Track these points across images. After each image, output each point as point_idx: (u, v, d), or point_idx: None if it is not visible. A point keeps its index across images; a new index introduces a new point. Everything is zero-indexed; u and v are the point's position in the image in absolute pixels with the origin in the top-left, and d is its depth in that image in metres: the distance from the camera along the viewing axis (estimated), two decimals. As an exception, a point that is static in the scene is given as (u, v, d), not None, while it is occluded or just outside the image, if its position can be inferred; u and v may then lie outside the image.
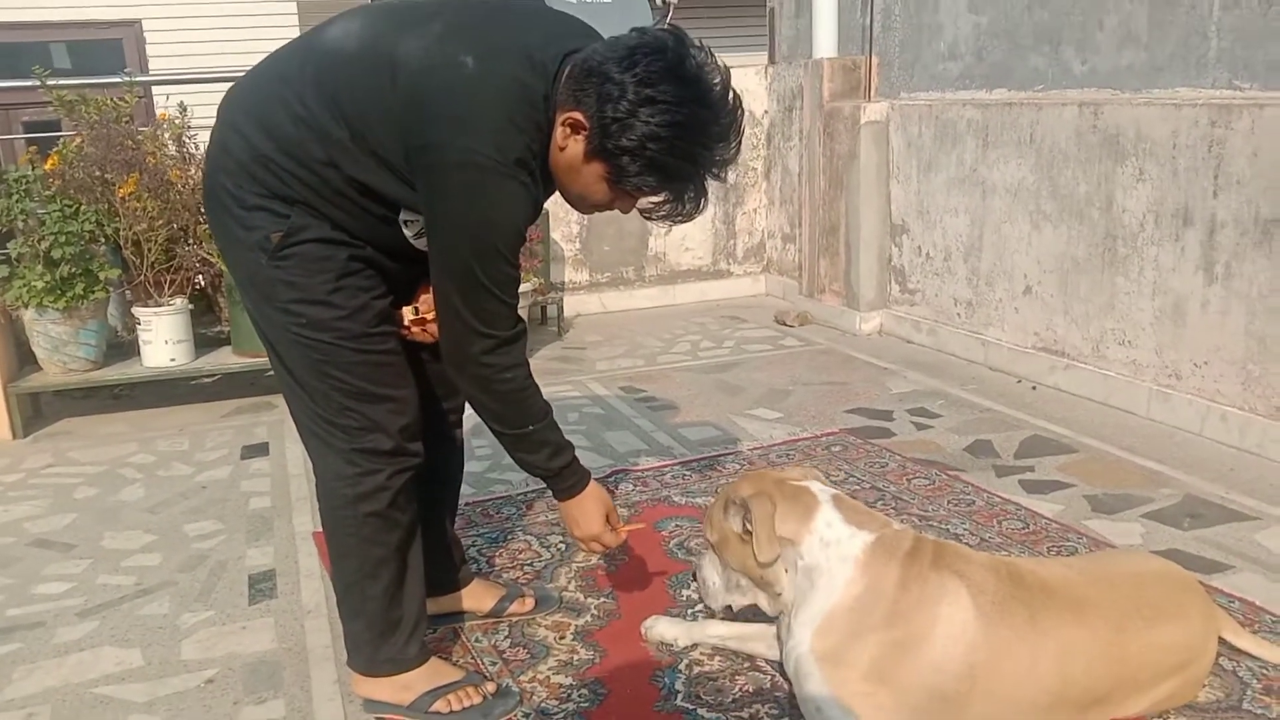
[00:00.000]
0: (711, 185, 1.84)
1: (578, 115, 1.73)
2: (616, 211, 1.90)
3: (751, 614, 2.39)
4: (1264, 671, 2.09)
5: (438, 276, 1.83)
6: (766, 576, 1.95)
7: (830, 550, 1.89)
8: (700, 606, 2.45)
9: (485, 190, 1.73)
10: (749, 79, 5.94)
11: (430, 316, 1.97)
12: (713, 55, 1.77)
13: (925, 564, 1.86)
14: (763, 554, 1.89)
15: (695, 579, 2.15)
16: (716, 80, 1.75)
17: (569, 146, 1.77)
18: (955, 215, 4.64)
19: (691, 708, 2.06)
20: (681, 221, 1.86)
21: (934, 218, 4.78)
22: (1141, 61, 3.83)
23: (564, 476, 2.06)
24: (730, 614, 2.20)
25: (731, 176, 5.97)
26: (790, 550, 1.91)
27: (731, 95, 1.77)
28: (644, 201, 1.84)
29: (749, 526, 1.91)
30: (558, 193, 1.91)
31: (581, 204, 1.90)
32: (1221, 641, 2.06)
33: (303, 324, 1.86)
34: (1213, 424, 3.50)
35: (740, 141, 1.81)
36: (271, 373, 2.08)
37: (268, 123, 1.80)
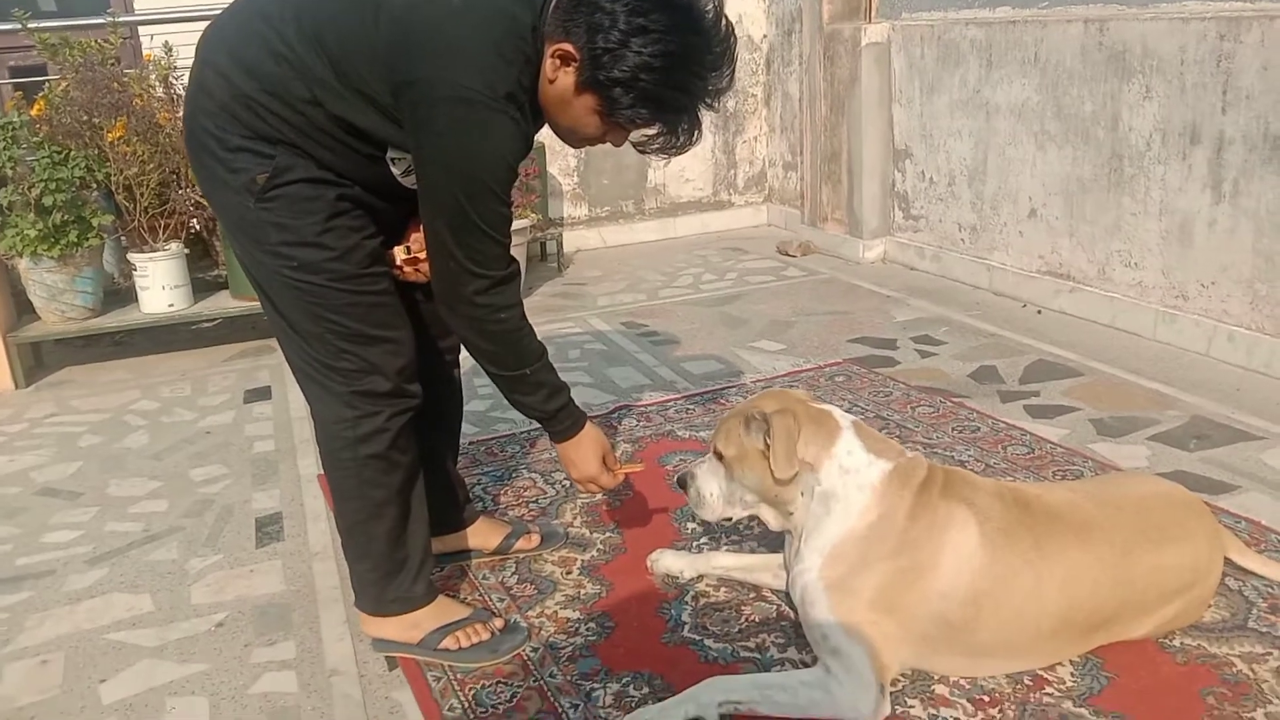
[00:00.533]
0: (708, 114, 1.80)
1: (567, 46, 1.68)
2: (613, 144, 1.86)
3: (754, 543, 2.40)
4: (1270, 590, 2.09)
5: (428, 215, 1.79)
6: (782, 495, 1.93)
7: (848, 478, 1.87)
8: (705, 539, 2.45)
9: (475, 126, 1.69)
10: (747, 2, 5.80)
11: (423, 255, 1.94)
12: None
13: (935, 492, 1.85)
14: (780, 470, 1.86)
15: (685, 489, 2.08)
16: (709, 7, 1.71)
17: (559, 79, 1.72)
18: (959, 138, 4.56)
19: (698, 639, 2.07)
20: (676, 154, 1.82)
21: (937, 141, 4.70)
22: (1149, -27, 3.73)
23: (560, 418, 2.05)
24: (725, 525, 2.19)
25: (731, 103, 5.93)
26: (809, 474, 1.89)
27: (724, 22, 1.73)
28: (637, 134, 1.80)
29: (769, 442, 1.88)
30: (548, 127, 1.87)
31: (572, 138, 1.86)
32: (1227, 562, 2.06)
33: (293, 266, 1.83)
34: (1219, 344, 3.47)
35: (734, 69, 1.77)
36: (270, 316, 2.05)
37: (249, 61, 1.75)
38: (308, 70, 1.73)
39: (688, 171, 5.93)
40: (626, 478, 2.22)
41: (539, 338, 1.99)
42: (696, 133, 1.79)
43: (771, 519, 2.02)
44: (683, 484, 2.09)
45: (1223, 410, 3.06)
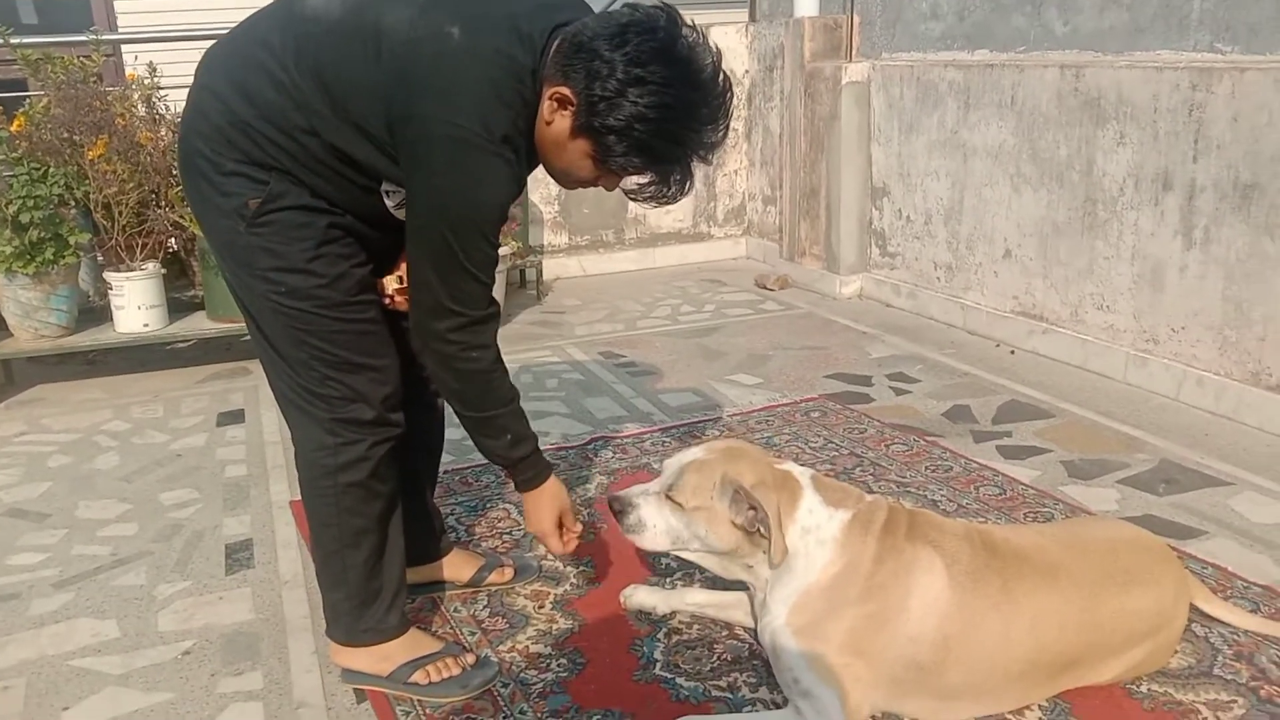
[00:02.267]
0: (700, 165, 1.81)
1: (565, 90, 1.70)
2: (605, 189, 1.88)
3: (727, 583, 2.40)
4: (1235, 637, 2.12)
5: (413, 249, 1.80)
6: (740, 553, 1.93)
7: (809, 536, 1.88)
8: (679, 575, 2.45)
9: (469, 166, 1.70)
10: (730, 37, 5.87)
11: None
12: (705, 36, 1.74)
13: (900, 535, 1.86)
14: (778, 557, 1.85)
15: (619, 516, 2.00)
16: (708, 62, 1.73)
17: (555, 121, 1.74)
18: (936, 178, 4.62)
19: (670, 676, 2.07)
20: (666, 203, 1.83)
21: (915, 180, 4.76)
22: (1124, 23, 3.81)
23: (522, 468, 2.05)
24: (653, 559, 2.21)
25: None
26: None
27: (722, 77, 1.75)
28: (629, 182, 1.81)
29: (759, 528, 1.86)
30: (543, 167, 1.88)
31: (566, 179, 1.87)
32: (1193, 608, 2.08)
33: (282, 292, 1.83)
34: (1189, 389, 3.52)
35: (729, 124, 1.78)
36: (247, 337, 2.05)
37: (247, 88, 1.76)
38: (306, 101, 1.74)
39: (670, 205, 5.95)
40: (573, 549, 2.18)
41: (513, 386, 1.99)
42: (689, 184, 1.81)
43: (720, 570, 2.02)
44: (617, 510, 2.01)
45: (1191, 455, 3.10)
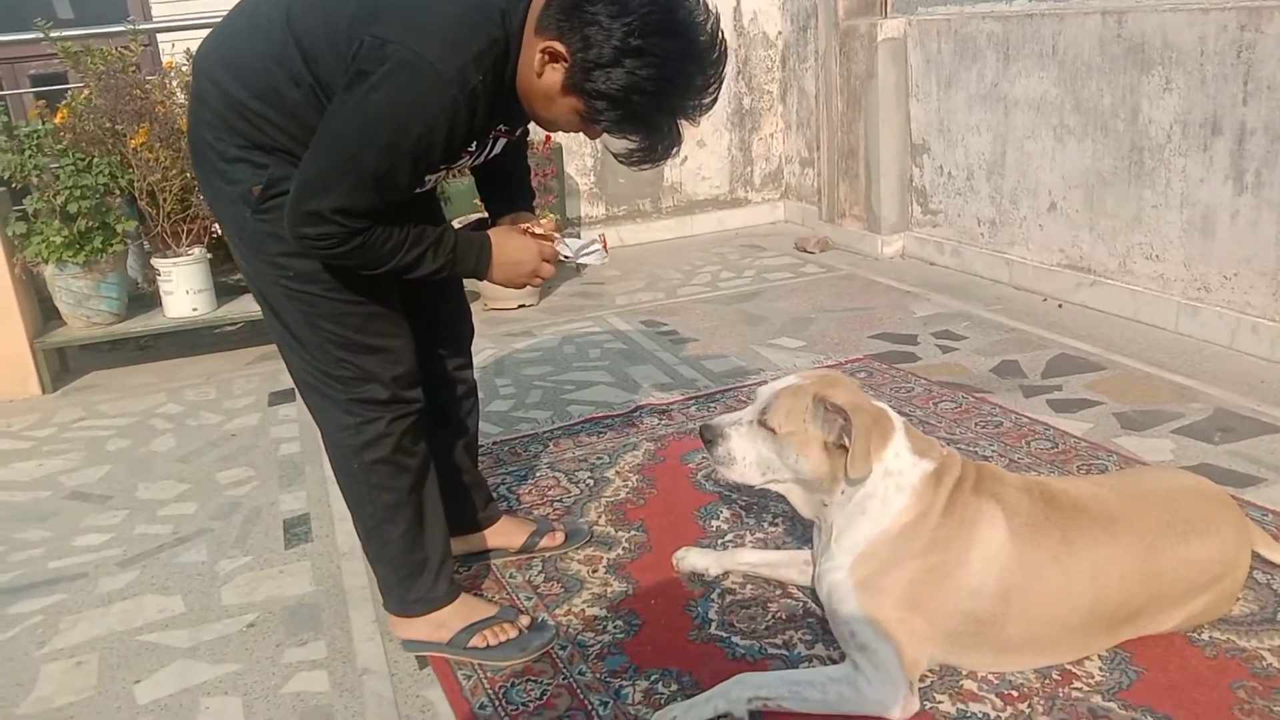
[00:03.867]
0: (729, 113, 1.76)
1: (559, 46, 1.65)
2: (587, 138, 1.84)
3: (780, 540, 2.41)
4: (1298, 583, 2.09)
5: (316, 154, 1.68)
6: (824, 485, 1.91)
7: (890, 479, 1.87)
8: (730, 536, 2.46)
9: (409, 90, 1.63)
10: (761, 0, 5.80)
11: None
12: None
13: (967, 489, 1.85)
14: (856, 470, 1.82)
15: (710, 445, 1.99)
16: (707, 26, 1.68)
17: (546, 74, 1.69)
18: (977, 133, 4.54)
19: (726, 635, 2.08)
20: (653, 166, 1.80)
21: (955, 136, 4.69)
22: (1167, -36, 3.71)
23: (464, 264, 1.89)
24: (748, 490, 2.13)
25: (747, 101, 5.93)
26: None
27: (719, 42, 1.70)
28: (617, 144, 1.78)
29: (844, 441, 1.84)
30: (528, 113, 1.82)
31: (550, 127, 1.83)
32: (1255, 555, 2.05)
33: (290, 276, 1.84)
34: (1243, 336, 3.45)
35: (720, 87, 1.73)
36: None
37: (239, 66, 1.77)
38: (296, 72, 1.72)
39: (704, 169, 5.93)
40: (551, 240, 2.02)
41: (396, 230, 1.75)
42: (676, 147, 1.77)
43: (801, 504, 2.00)
44: (708, 439, 2.00)
45: (1247, 403, 3.04)
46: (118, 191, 4.04)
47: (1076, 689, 1.83)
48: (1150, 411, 3.04)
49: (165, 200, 4.07)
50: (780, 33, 5.91)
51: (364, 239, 1.72)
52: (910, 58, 4.88)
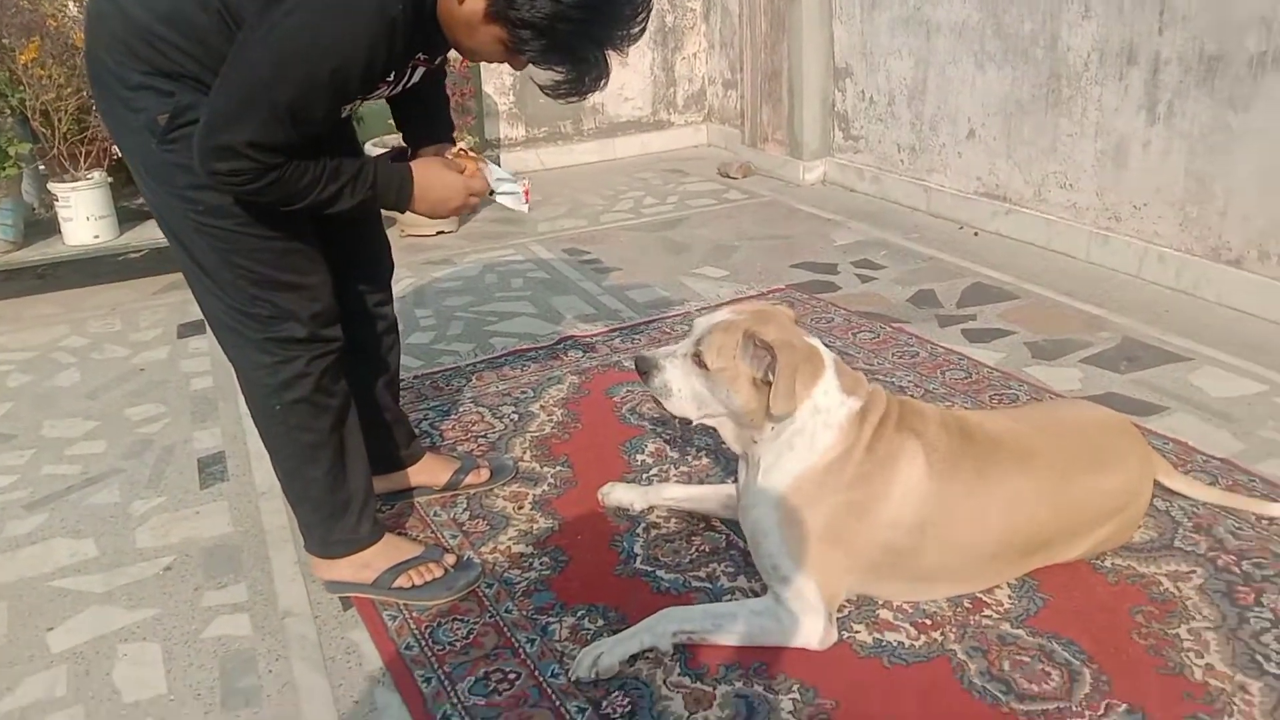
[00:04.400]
0: (652, 30, 1.71)
1: None
2: (512, 69, 1.78)
3: (703, 475, 2.44)
4: (1194, 510, 2.19)
5: (230, 79, 1.60)
6: (754, 420, 1.92)
7: (818, 417, 1.88)
8: (655, 471, 2.48)
9: (329, 16, 1.57)
10: (684, -85, 5.66)
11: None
12: None
13: (890, 426, 1.88)
14: (779, 406, 1.83)
15: (646, 379, 2.00)
16: None
17: (468, 2, 1.63)
18: (899, 57, 4.54)
19: (651, 570, 2.11)
20: (580, 99, 1.75)
21: (877, 60, 4.68)
22: (1090, -110, 3.70)
23: (385, 196, 1.83)
24: (685, 427, 2.15)
25: (670, 19, 5.81)
26: None
27: None
28: (542, 76, 1.73)
29: (770, 376, 1.84)
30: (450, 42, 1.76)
31: (472, 57, 1.78)
32: (1156, 484, 2.14)
33: (201, 210, 1.76)
34: (1150, 265, 3.55)
35: (649, 15, 1.68)
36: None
37: None
38: None
39: (626, 90, 5.83)
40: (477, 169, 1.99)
41: (311, 164, 1.69)
42: (604, 80, 1.72)
43: (732, 438, 2.01)
44: (643, 370, 2.01)
45: (1152, 332, 3.15)
46: (8, 112, 3.80)
47: (987, 616, 1.90)
48: (1060, 341, 3.13)
49: (61, 121, 3.84)
50: (703, -51, 5.78)
51: (279, 174, 1.65)
52: (834, -21, 4.83)
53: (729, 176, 5.31)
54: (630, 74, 5.80)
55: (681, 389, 1.97)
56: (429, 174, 1.89)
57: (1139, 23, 3.45)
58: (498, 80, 5.50)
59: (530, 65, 1.72)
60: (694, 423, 2.03)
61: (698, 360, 1.93)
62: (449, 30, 1.71)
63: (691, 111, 6.09)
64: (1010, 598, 1.94)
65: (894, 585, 1.94)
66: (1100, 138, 3.68)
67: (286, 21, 1.56)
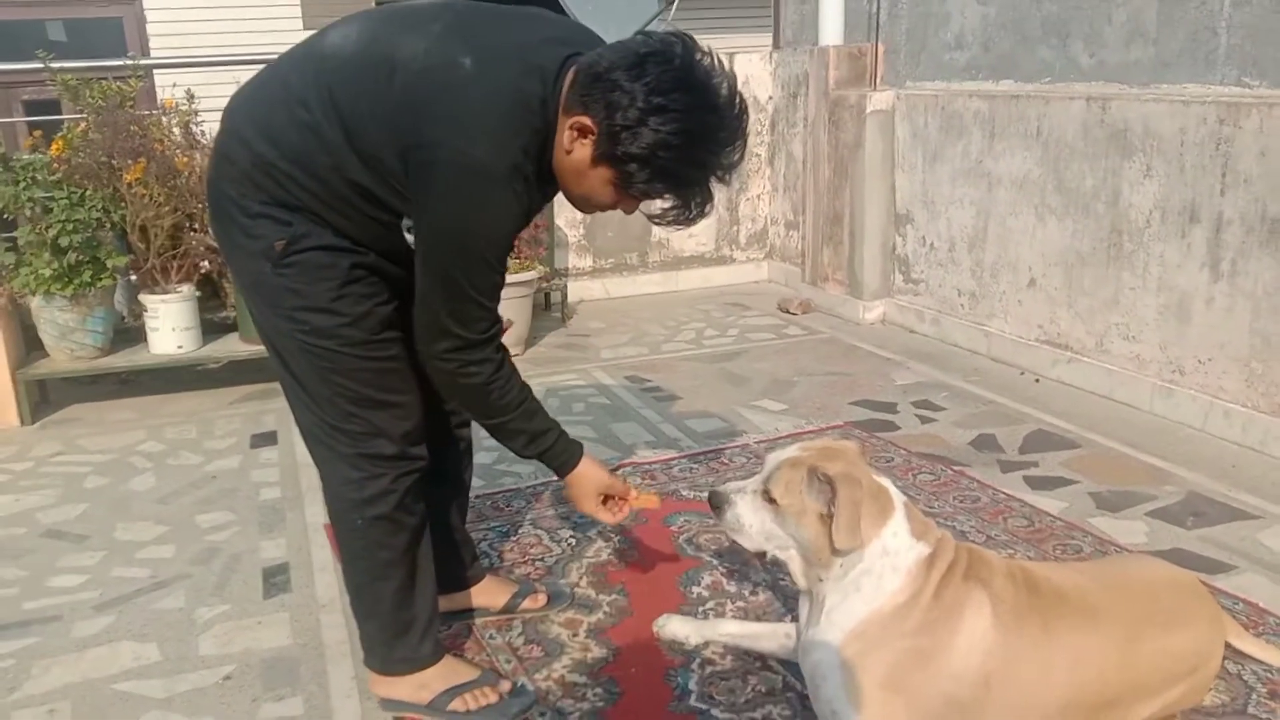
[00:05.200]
0: (719, 185, 1.84)
1: (585, 120, 1.73)
2: (624, 213, 1.91)
3: (760, 611, 2.42)
4: (1269, 675, 2.13)
5: (421, 272, 1.82)
6: (821, 556, 1.91)
7: (887, 559, 1.88)
8: (711, 604, 2.48)
9: (475, 194, 1.73)
10: (754, 65, 5.92)
11: None
12: (719, 59, 1.77)
13: (958, 575, 1.87)
14: (841, 541, 1.84)
15: (719, 513, 2.03)
16: (724, 84, 1.75)
17: (575, 150, 1.77)
18: (960, 206, 4.64)
19: (705, 708, 2.09)
20: (688, 225, 1.87)
21: (939, 208, 4.79)
22: (1150, 57, 3.83)
23: (548, 460, 2.10)
24: (759, 561, 2.19)
25: (735, 163, 5.99)
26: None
27: (738, 99, 1.78)
28: (652, 206, 1.84)
29: (833, 511, 1.86)
30: (562, 194, 1.91)
31: (585, 205, 1.90)
32: (1227, 646, 2.09)
33: (306, 330, 1.87)
34: (1215, 420, 3.53)
35: (746, 144, 1.81)
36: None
37: (271, 129, 1.81)
38: (326, 138, 1.78)
39: (692, 227, 5.99)
40: (634, 512, 2.22)
41: (523, 388, 2.01)
42: (709, 205, 1.84)
43: (799, 574, 2.00)
44: (716, 505, 2.04)
45: (1219, 487, 3.11)
46: (109, 226, 4.04)
47: (1052, 776, 1.85)
48: (1125, 492, 3.09)
49: (156, 236, 4.08)
50: (771, 97, 6.02)
51: (489, 349, 1.90)
52: (898, 130, 5.00)
53: (789, 312, 5.40)
54: (696, 211, 5.97)
55: (752, 524, 1.99)
56: (586, 476, 2.13)
57: (1200, 183, 3.52)
58: (569, 214, 5.71)
59: (642, 200, 1.84)
60: (767, 557, 2.04)
61: (767, 496, 1.96)
62: (561, 179, 1.85)
63: (754, 249, 6.24)
64: (1076, 758, 1.89)
65: (955, 738, 1.89)
66: (1163, 292, 3.71)
67: (441, 208, 1.75)
